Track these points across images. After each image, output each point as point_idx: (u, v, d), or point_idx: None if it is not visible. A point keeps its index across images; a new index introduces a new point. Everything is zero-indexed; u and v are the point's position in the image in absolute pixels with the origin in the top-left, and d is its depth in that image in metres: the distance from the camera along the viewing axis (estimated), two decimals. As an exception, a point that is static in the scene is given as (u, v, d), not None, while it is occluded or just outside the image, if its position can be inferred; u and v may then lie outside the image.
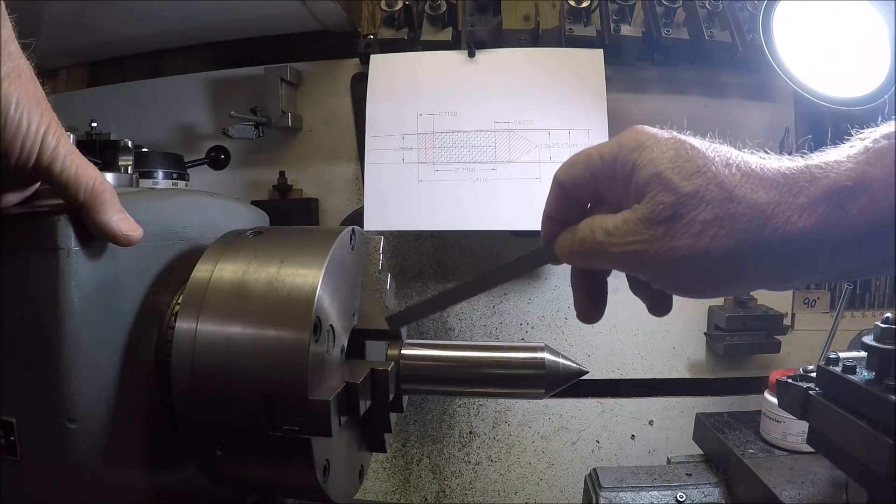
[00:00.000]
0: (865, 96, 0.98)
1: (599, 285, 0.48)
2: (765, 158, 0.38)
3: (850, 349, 0.67)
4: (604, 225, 0.40)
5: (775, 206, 0.35)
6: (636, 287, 0.47)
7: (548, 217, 0.46)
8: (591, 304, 0.48)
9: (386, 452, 0.62)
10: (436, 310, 0.52)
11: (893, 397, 0.55)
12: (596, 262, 0.43)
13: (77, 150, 0.42)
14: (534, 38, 1.22)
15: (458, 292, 0.50)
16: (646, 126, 0.41)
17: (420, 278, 1.31)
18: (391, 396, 0.53)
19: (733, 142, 0.40)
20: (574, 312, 0.49)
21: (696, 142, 0.39)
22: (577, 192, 0.44)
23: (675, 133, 0.40)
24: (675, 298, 0.45)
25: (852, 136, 0.37)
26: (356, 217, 1.20)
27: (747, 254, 0.36)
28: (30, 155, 0.39)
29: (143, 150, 1.12)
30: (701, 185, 0.37)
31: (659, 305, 0.47)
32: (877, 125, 0.37)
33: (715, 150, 0.38)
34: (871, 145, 0.35)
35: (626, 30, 1.12)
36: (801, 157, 0.37)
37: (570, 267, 0.47)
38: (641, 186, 0.38)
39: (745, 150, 0.39)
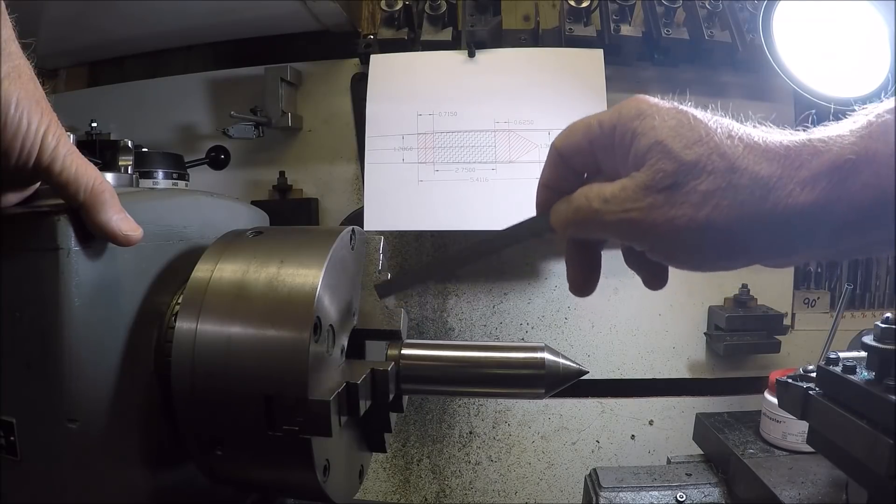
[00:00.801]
0: (865, 96, 0.98)
1: (593, 258, 0.47)
2: (767, 131, 0.37)
3: (850, 349, 0.67)
4: (601, 192, 0.39)
5: (778, 178, 0.35)
6: (631, 258, 0.46)
7: (543, 185, 0.45)
8: (584, 277, 0.47)
9: (386, 452, 0.62)
10: (425, 279, 0.50)
11: (893, 397, 0.55)
12: (591, 231, 0.42)
13: (77, 150, 0.42)
14: (534, 38, 1.22)
15: (448, 262, 0.49)
16: (647, 95, 0.40)
17: (420, 278, 1.31)
18: (391, 396, 0.53)
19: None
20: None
21: (699, 112, 0.38)
22: (575, 161, 0.43)
23: (676, 103, 0.39)
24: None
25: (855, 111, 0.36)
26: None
27: (749, 226, 0.36)
28: (30, 155, 0.39)
29: (143, 150, 1.12)
30: (703, 154, 0.36)
31: (655, 277, 0.46)
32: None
33: (717, 121, 0.38)
34: (875, 119, 0.34)
35: (626, 30, 1.12)
36: (804, 130, 0.37)
37: None
38: (641, 154, 0.38)
39: (748, 123, 0.38)
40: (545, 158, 0.44)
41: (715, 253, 0.38)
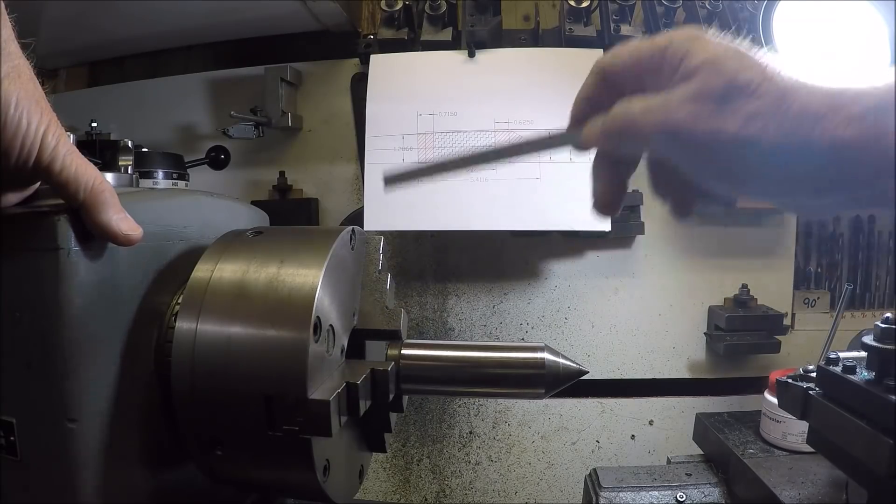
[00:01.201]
0: (865, 96, 0.98)
1: (621, 175, 0.46)
2: (813, 78, 0.38)
3: (850, 349, 0.67)
4: (643, 102, 0.39)
5: (826, 112, 0.36)
6: (660, 181, 0.45)
7: (582, 98, 0.45)
8: (611, 193, 0.46)
9: (386, 452, 0.62)
10: (437, 172, 0.47)
11: (893, 397, 0.55)
12: (627, 140, 0.41)
13: (77, 150, 0.42)
14: (534, 38, 1.22)
15: (465, 159, 0.46)
16: None
17: (420, 278, 1.31)
18: (391, 396, 0.53)
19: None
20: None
21: (753, 50, 0.39)
22: (618, 80, 0.43)
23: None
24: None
25: None
26: (356, 217, 1.20)
27: (793, 152, 0.36)
28: (29, 154, 0.39)
29: (143, 150, 1.12)
30: (754, 78, 0.36)
31: (682, 203, 0.45)
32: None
33: (770, 58, 0.38)
34: None
35: (626, 30, 1.12)
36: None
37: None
38: (691, 70, 0.38)
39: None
40: (586, 77, 0.44)
41: (752, 176, 0.38)
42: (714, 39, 0.38)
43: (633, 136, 0.40)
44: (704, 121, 0.37)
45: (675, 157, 0.40)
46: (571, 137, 0.45)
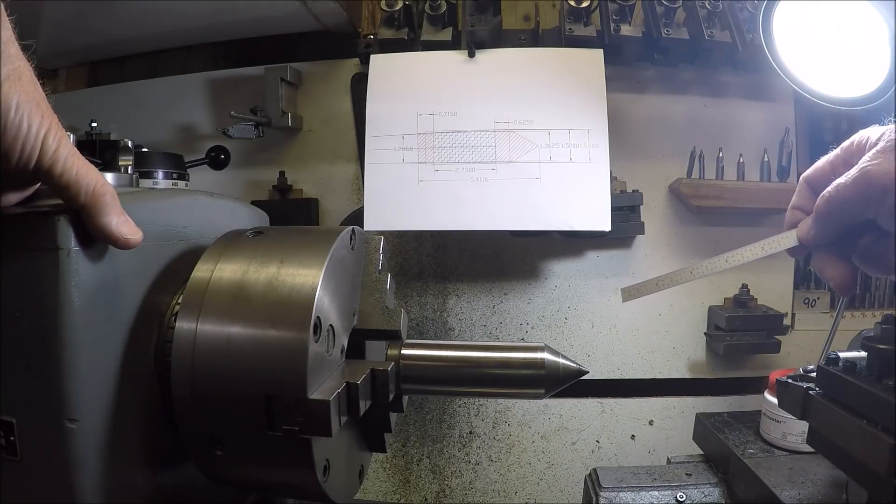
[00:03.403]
0: (865, 96, 0.98)
1: (843, 257, 0.54)
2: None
3: (850, 349, 0.67)
4: (842, 176, 0.49)
5: None
6: (825, 269, 0.54)
7: (791, 206, 0.57)
8: (845, 274, 0.54)
9: (386, 452, 0.62)
10: (669, 285, 0.60)
11: (893, 397, 0.55)
12: (833, 210, 0.50)
13: (78, 152, 0.42)
14: (534, 38, 1.22)
15: (694, 273, 0.57)
16: None
17: (420, 278, 1.31)
18: (391, 396, 0.53)
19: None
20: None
21: None
22: (816, 182, 0.54)
23: None
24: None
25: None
26: (356, 217, 1.20)
27: None
28: (30, 157, 0.39)
29: (143, 150, 1.12)
30: None
31: (847, 281, 0.54)
32: (881, 125, 0.48)
33: None
34: None
35: (626, 30, 1.12)
36: None
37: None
38: (875, 141, 0.47)
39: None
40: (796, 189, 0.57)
41: None
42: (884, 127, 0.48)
43: (838, 204, 0.49)
44: (892, 162, 0.45)
45: (873, 197, 0.47)
46: (787, 238, 0.55)
